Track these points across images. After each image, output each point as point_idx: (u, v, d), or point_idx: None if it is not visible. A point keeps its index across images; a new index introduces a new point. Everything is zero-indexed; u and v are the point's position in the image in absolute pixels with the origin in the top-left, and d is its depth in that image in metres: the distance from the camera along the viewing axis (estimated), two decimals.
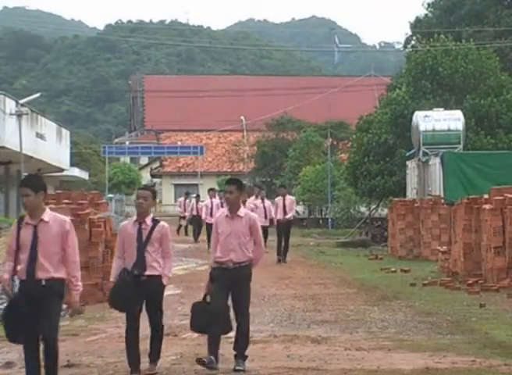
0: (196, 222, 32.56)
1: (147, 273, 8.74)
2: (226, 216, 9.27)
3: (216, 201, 27.08)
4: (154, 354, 8.87)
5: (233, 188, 9.22)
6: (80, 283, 7.71)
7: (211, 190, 28.80)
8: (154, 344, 8.90)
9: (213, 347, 8.86)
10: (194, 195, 34.77)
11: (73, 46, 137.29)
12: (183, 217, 36.11)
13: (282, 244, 23.36)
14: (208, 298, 9.10)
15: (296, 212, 35.98)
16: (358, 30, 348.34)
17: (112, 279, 8.90)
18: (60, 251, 7.64)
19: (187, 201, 35.93)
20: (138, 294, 8.68)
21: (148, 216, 8.93)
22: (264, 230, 23.23)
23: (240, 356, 9.00)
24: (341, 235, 37.17)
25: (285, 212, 23.47)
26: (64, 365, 9.07)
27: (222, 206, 22.92)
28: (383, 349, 10.07)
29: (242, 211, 9.29)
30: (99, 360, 9.44)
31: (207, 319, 8.91)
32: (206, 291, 9.19)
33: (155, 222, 8.94)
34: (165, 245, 8.92)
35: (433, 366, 9.01)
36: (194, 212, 32.35)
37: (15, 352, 9.58)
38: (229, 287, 9.07)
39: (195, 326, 9.24)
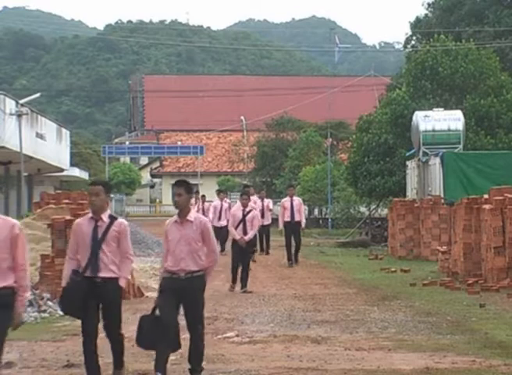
0: None
1: (102, 275, 8.05)
2: (175, 221, 8.50)
3: (226, 204, 26.41)
4: (117, 362, 8.40)
5: (182, 190, 8.46)
6: (26, 294, 7.04)
7: (220, 192, 27.94)
8: (115, 355, 8.36)
9: (161, 363, 8.18)
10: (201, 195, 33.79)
11: (73, 46, 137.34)
12: None
13: (292, 248, 22.40)
14: (158, 311, 8.36)
15: None
16: (358, 30, 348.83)
17: (63, 283, 8.19)
18: (9, 257, 6.90)
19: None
20: (93, 298, 8.01)
21: (105, 212, 8.19)
22: (263, 228, 22.87)
23: (195, 372, 8.48)
24: (341, 235, 37.18)
25: (292, 214, 22.43)
26: (64, 365, 9.08)
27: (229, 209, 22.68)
28: (383, 349, 10.07)
29: (192, 215, 8.50)
30: (99, 360, 9.41)
31: (155, 334, 8.18)
32: (155, 303, 8.44)
33: (113, 219, 8.22)
34: (123, 245, 8.21)
35: (433, 366, 9.01)
36: (200, 213, 31.80)
37: (15, 352, 9.59)
38: (180, 298, 8.32)
39: (141, 342, 8.40)
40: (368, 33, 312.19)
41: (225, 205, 26.22)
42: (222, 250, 25.93)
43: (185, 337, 9.20)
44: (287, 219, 22.39)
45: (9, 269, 6.91)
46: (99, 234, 8.12)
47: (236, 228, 16.54)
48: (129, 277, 8.55)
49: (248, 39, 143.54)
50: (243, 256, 16.47)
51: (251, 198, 23.23)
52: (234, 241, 16.62)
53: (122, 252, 8.21)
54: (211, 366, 9.11)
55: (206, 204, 31.63)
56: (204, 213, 31.40)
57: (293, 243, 22.56)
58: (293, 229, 22.47)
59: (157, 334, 8.18)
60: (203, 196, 32.61)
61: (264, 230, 25.22)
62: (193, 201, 34.34)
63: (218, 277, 19.75)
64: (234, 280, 16.64)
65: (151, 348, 8.44)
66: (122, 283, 8.20)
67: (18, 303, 6.92)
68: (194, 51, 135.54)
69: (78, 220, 8.56)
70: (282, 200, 23.38)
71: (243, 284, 16.25)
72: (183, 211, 8.46)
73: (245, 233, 16.45)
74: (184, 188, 8.47)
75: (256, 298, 15.47)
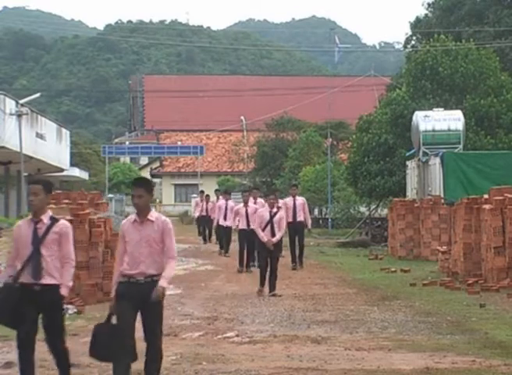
0: (205, 222, 31.96)
1: (42, 281, 7.49)
2: (134, 220, 7.82)
3: (231, 203, 25.83)
4: None
5: (142, 191, 7.76)
6: None
7: (225, 193, 27.44)
8: (61, 371, 7.84)
9: None
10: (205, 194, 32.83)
11: (73, 46, 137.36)
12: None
13: (296, 250, 21.70)
14: (114, 319, 7.72)
15: None
16: (358, 30, 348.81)
17: None
18: None
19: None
20: (30, 307, 7.43)
21: (45, 213, 7.65)
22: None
23: None
24: (341, 235, 37.17)
25: (295, 214, 21.61)
26: None
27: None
28: (383, 349, 10.07)
29: (153, 214, 7.82)
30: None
31: (110, 344, 7.50)
32: (110, 310, 7.76)
33: (54, 220, 7.66)
34: (64, 248, 7.63)
35: (433, 366, 9.01)
36: (204, 213, 31.72)
37: (15, 352, 9.57)
38: (138, 305, 7.63)
39: (96, 352, 7.71)
40: (368, 33, 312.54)
41: (231, 205, 25.60)
42: (226, 252, 25.84)
43: (187, 336, 9.19)
44: (289, 219, 21.25)
45: None
46: (38, 237, 7.57)
47: (263, 230, 15.94)
48: (71, 285, 7.61)
49: (248, 39, 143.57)
50: (271, 259, 15.89)
51: (260, 200, 22.66)
52: (261, 243, 16.00)
53: (64, 257, 7.63)
54: (211, 366, 9.11)
55: (210, 204, 31.57)
56: (207, 213, 31.40)
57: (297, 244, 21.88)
58: (295, 229, 21.70)
59: (113, 344, 7.50)
60: (207, 196, 32.52)
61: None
62: (198, 200, 34.25)
63: (218, 277, 19.79)
64: (262, 283, 15.89)
65: (106, 360, 7.80)
66: (64, 291, 7.60)
67: None
68: (194, 51, 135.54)
69: (19, 222, 7.97)
70: (285, 200, 22.43)
71: (272, 288, 15.72)
72: (143, 212, 7.79)
73: (273, 234, 15.88)
74: (145, 189, 7.78)
75: (256, 298, 15.47)
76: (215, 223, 27.33)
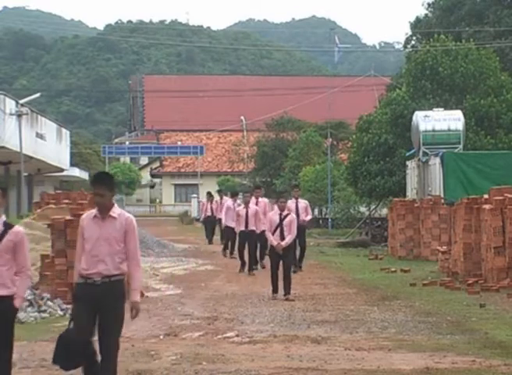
0: (210, 223, 31.84)
1: None
2: (95, 216, 7.23)
3: (255, 206, 24.83)
4: None
5: (104, 190, 7.19)
6: None
7: (233, 194, 26.75)
8: None
9: None
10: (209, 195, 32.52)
11: (73, 46, 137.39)
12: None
13: (297, 251, 20.92)
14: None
15: None
16: (358, 30, 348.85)
17: None
18: None
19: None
20: None
21: None
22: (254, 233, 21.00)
23: None
24: (341, 235, 37.17)
25: (297, 217, 20.11)
26: None
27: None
28: (383, 349, 10.07)
29: (116, 210, 7.22)
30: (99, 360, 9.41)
31: (70, 350, 7.03)
32: (71, 315, 7.31)
33: (8, 227, 7.06)
34: (19, 257, 7.03)
35: (433, 366, 9.01)
36: (209, 213, 31.60)
37: (15, 352, 9.56)
38: (96, 308, 7.08)
39: (60, 361, 7.18)
40: (368, 33, 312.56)
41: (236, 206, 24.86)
42: (231, 253, 25.46)
43: (187, 336, 9.16)
44: None
45: None
46: None
47: (273, 233, 15.55)
48: (26, 296, 7.42)
49: (248, 39, 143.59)
50: (283, 262, 15.45)
51: (262, 199, 22.34)
52: (271, 247, 15.70)
53: (19, 266, 7.05)
54: (211, 366, 9.11)
55: (214, 203, 31.41)
56: (212, 213, 31.32)
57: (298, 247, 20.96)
58: (298, 232, 21.37)
59: (71, 351, 7.03)
60: (210, 196, 32.40)
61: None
62: (204, 202, 33.88)
63: (218, 277, 19.78)
64: (275, 289, 15.43)
65: (71, 368, 7.26)
66: (18, 303, 7.06)
67: None
68: (194, 51, 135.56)
69: None
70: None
71: (286, 291, 15.30)
72: (104, 211, 7.22)
73: (282, 238, 15.44)
74: (107, 187, 7.20)
75: (256, 298, 15.47)
76: (223, 224, 26.63)
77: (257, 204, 21.79)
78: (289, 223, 15.61)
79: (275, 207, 16.70)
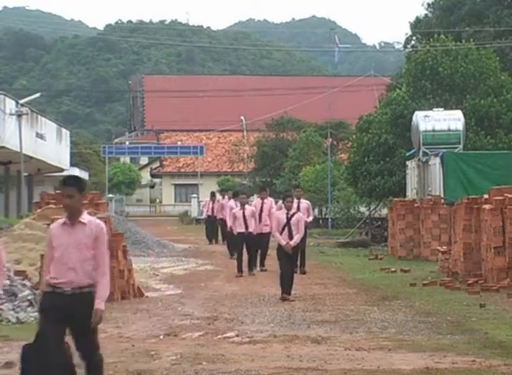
0: (210, 222, 31.76)
1: None
2: (64, 223, 6.97)
3: (251, 207, 22.50)
4: None
5: (73, 191, 6.92)
6: None
7: (236, 195, 26.20)
8: None
9: None
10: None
11: (73, 46, 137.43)
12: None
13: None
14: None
15: None
16: (358, 30, 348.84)
17: None
18: None
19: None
20: None
21: None
22: (260, 236, 20.76)
23: None
24: (341, 235, 37.17)
25: None
26: None
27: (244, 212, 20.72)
28: (383, 349, 10.06)
29: (86, 217, 6.97)
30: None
31: (40, 367, 6.61)
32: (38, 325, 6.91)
33: None
34: None
35: (433, 366, 9.00)
36: (210, 213, 31.52)
37: (15, 352, 9.58)
38: (67, 320, 6.73)
39: None
40: (368, 33, 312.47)
41: (251, 208, 24.12)
42: (233, 255, 25.20)
43: (187, 336, 9.13)
44: None
45: None
46: None
47: (281, 233, 15.18)
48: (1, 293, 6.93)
49: (248, 39, 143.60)
50: (289, 262, 15.25)
51: (268, 200, 21.76)
52: (279, 247, 15.31)
53: None
54: (211, 366, 9.10)
55: (216, 203, 31.32)
56: (213, 213, 31.27)
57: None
58: None
59: (42, 369, 6.66)
60: (213, 195, 32.27)
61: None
62: (207, 201, 33.63)
63: (218, 277, 19.78)
64: (284, 290, 15.08)
65: None
66: None
67: None
68: (194, 51, 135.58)
69: None
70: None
71: (287, 291, 15.08)
72: (74, 213, 6.97)
73: (291, 237, 15.09)
74: (76, 188, 6.94)
75: (256, 298, 15.47)
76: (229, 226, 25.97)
77: (262, 205, 21.27)
78: (297, 222, 15.32)
79: (282, 205, 16.46)
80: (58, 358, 6.70)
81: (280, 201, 21.00)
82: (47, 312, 6.79)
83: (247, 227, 20.30)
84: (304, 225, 15.88)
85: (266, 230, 20.55)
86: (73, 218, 6.94)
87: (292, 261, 15.50)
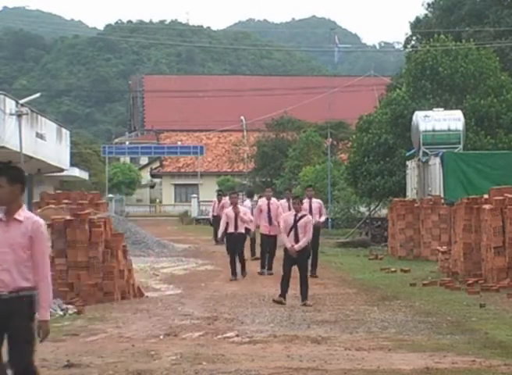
0: (216, 222, 31.49)
1: None
2: (0, 220, 6.25)
3: (243, 207, 22.15)
4: None
5: (3, 181, 6.16)
6: None
7: (251, 195, 25.39)
8: None
9: None
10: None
11: (73, 46, 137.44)
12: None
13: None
14: None
15: None
16: (358, 30, 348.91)
17: None
18: None
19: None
20: None
21: None
22: (268, 237, 20.27)
23: None
24: (341, 235, 37.17)
25: None
26: (64, 365, 9.07)
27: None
28: (383, 349, 10.06)
29: (23, 213, 6.23)
30: (99, 360, 9.42)
31: None
32: None
33: None
34: None
35: (433, 366, 9.00)
36: (216, 213, 31.34)
37: None
38: (3, 327, 6.10)
39: None
40: (368, 33, 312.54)
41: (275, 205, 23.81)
42: (253, 255, 24.95)
43: (187, 336, 9.11)
44: None
45: None
46: None
47: (288, 235, 14.69)
48: None
49: (248, 39, 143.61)
50: (299, 266, 14.67)
51: (274, 200, 21.03)
52: (285, 250, 14.89)
53: None
54: (211, 366, 9.10)
55: (222, 203, 31.14)
56: (212, 211, 31.20)
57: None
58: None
59: None
60: (219, 194, 32.04)
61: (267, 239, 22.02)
62: (215, 200, 33.39)
63: (218, 277, 19.78)
64: (283, 294, 14.67)
65: None
66: None
67: None
68: (194, 51, 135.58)
69: None
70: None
71: (304, 297, 14.52)
72: (9, 208, 6.21)
73: (297, 240, 14.61)
74: (7, 178, 6.18)
75: (256, 298, 15.46)
76: None
77: (268, 205, 20.46)
78: (305, 225, 14.74)
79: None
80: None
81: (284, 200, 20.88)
82: None
83: (236, 228, 19.45)
84: (312, 228, 15.18)
85: (274, 232, 19.94)
86: (8, 214, 6.20)
87: (303, 265, 14.78)
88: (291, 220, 14.78)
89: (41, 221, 6.23)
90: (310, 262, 18.94)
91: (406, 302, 14.48)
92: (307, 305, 14.24)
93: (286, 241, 14.73)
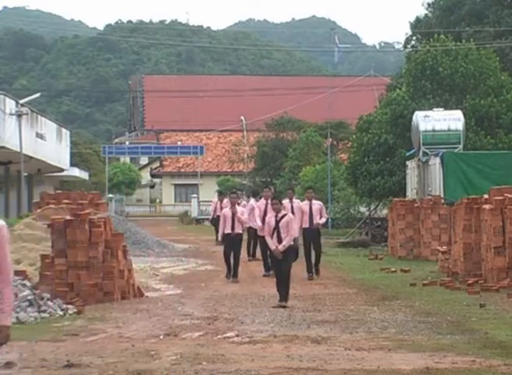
0: (216, 222, 31.38)
1: None
2: None
3: (241, 208, 21.80)
4: None
5: None
6: None
7: (256, 194, 25.57)
8: None
9: None
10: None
11: (73, 46, 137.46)
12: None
13: (312, 258, 19.57)
14: None
15: None
16: (358, 30, 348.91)
17: None
18: None
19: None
20: None
21: None
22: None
23: None
24: (341, 235, 37.17)
25: (311, 220, 19.50)
26: (64, 365, 9.07)
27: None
28: (383, 349, 10.06)
29: None
30: (99, 360, 9.42)
31: None
32: None
33: None
34: None
35: (433, 366, 8.99)
36: (218, 213, 31.20)
37: (15, 352, 9.58)
38: None
39: None
40: (368, 33, 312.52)
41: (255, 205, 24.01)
42: (253, 256, 24.55)
43: (187, 336, 9.12)
44: (305, 225, 19.43)
45: None
46: None
47: (272, 237, 14.46)
48: None
49: (248, 39, 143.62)
50: (283, 267, 14.39)
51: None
52: (271, 252, 14.70)
53: None
54: (211, 366, 9.10)
55: (223, 204, 31.02)
56: (214, 212, 31.19)
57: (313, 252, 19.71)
58: (312, 235, 19.63)
59: None
60: (220, 195, 31.93)
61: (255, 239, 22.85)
62: (215, 200, 33.31)
63: (218, 277, 19.77)
64: (281, 297, 14.37)
65: None
66: None
67: None
68: (194, 51, 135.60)
69: None
70: (302, 203, 20.13)
71: (282, 298, 14.27)
72: None
73: (280, 241, 14.33)
74: None
75: (256, 298, 15.46)
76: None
77: (266, 205, 19.84)
78: (286, 225, 14.52)
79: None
80: None
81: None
82: None
83: (233, 228, 19.20)
84: (294, 226, 14.91)
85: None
86: None
87: (284, 265, 14.41)
88: (273, 222, 14.62)
89: (3, 223, 5.68)
90: (313, 262, 19.45)
91: (406, 302, 14.48)
92: (283, 306, 13.96)
93: (270, 243, 14.54)
